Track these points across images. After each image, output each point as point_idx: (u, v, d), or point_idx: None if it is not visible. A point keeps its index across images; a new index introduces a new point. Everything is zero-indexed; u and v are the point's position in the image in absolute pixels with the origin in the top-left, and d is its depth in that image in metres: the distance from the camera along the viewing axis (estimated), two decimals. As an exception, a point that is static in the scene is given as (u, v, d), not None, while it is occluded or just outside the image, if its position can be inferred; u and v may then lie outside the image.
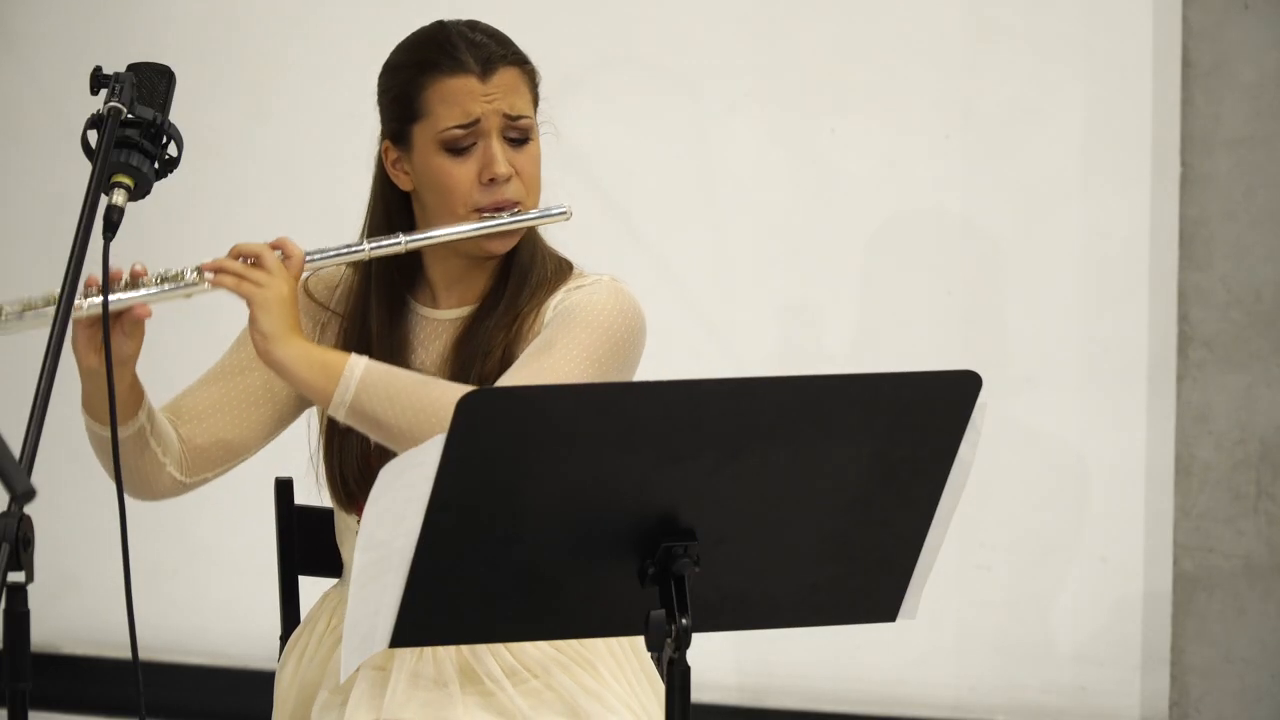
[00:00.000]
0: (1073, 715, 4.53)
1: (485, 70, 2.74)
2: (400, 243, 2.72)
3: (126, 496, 2.58)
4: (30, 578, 2.09)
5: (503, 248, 2.77)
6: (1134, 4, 4.37)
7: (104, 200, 2.42)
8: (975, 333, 4.52)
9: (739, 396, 2.23)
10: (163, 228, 4.82)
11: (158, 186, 2.51)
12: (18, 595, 2.10)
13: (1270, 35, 4.17)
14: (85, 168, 2.42)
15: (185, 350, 4.96)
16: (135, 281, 2.61)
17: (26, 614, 2.13)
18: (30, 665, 2.14)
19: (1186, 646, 4.28)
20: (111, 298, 2.57)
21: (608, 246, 4.59)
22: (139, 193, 2.47)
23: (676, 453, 2.22)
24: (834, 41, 4.54)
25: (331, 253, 2.71)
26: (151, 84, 2.51)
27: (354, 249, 2.72)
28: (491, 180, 2.73)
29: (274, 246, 2.66)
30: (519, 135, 2.76)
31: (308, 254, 2.68)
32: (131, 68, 2.52)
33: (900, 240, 4.54)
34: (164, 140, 2.49)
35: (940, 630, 4.54)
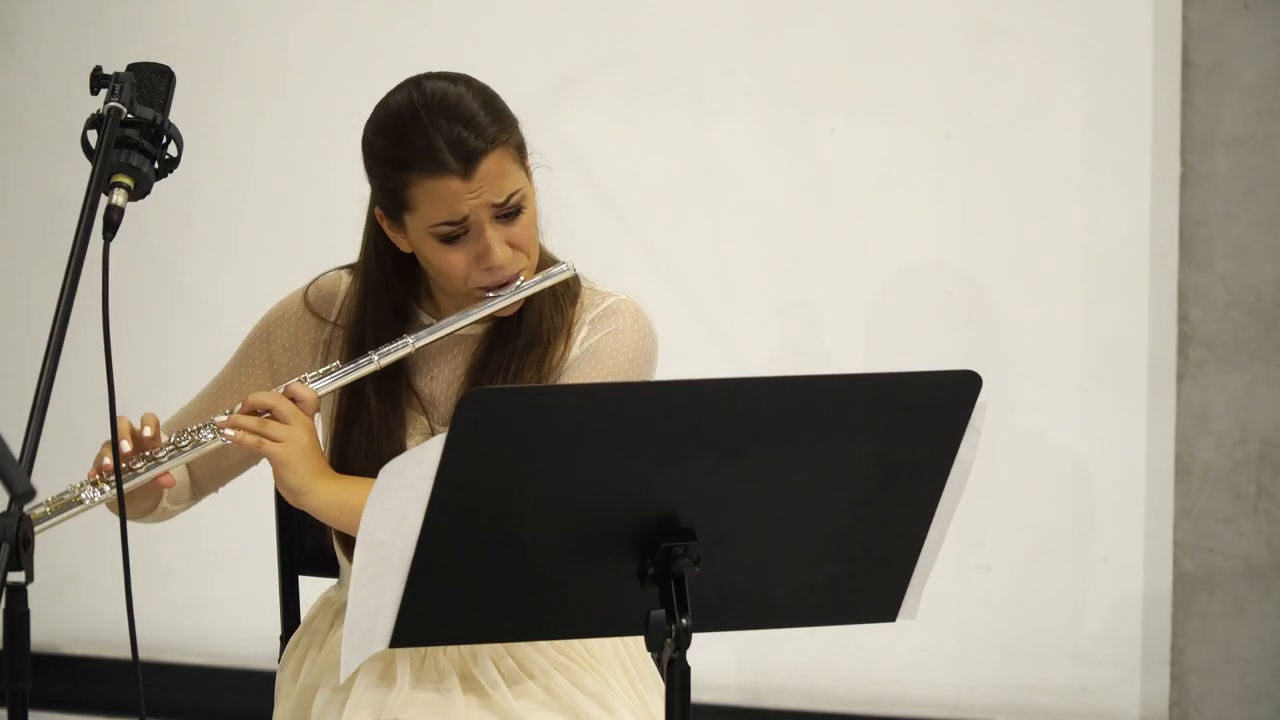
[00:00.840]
0: (1073, 715, 4.53)
1: (468, 168, 2.67)
2: (408, 344, 2.73)
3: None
4: (30, 578, 2.09)
5: (510, 312, 2.77)
6: (1134, 4, 4.37)
7: (104, 200, 2.42)
8: (975, 333, 4.52)
9: (739, 396, 2.23)
10: (163, 228, 4.83)
11: (157, 186, 2.51)
12: (18, 595, 2.10)
13: (1270, 35, 4.17)
14: (85, 168, 2.41)
15: (184, 348, 4.97)
16: (153, 456, 2.65)
17: (26, 614, 2.13)
18: (30, 665, 2.14)
19: (1186, 646, 4.28)
20: (136, 476, 2.63)
21: (608, 246, 4.60)
22: (139, 193, 2.47)
23: (676, 453, 2.22)
24: (834, 41, 4.54)
25: (340, 374, 2.72)
26: (151, 84, 2.51)
27: (364, 364, 2.72)
28: (489, 268, 2.72)
29: (286, 395, 2.67)
30: (511, 211, 2.72)
31: (317, 384, 2.70)
32: (131, 68, 2.52)
33: (900, 240, 4.54)
34: (164, 140, 2.49)
35: (940, 630, 4.54)
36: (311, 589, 3.02)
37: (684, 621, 2.22)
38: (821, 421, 2.26)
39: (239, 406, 2.68)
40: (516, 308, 2.77)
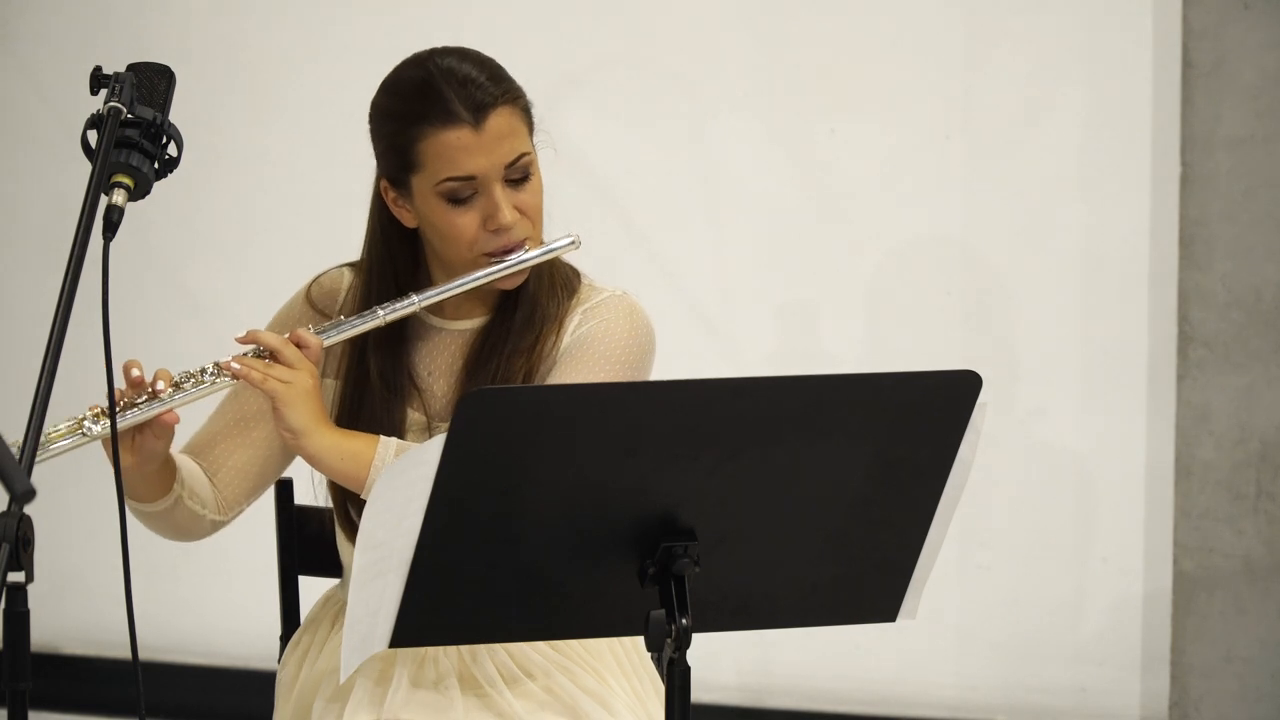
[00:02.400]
0: (1073, 715, 4.53)
1: (478, 119, 2.67)
2: (414, 303, 2.72)
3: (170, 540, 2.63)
4: (30, 578, 2.09)
5: (515, 284, 2.76)
6: (1134, 4, 4.37)
7: (104, 200, 2.42)
8: (975, 333, 4.51)
9: (739, 396, 2.23)
10: (163, 228, 4.83)
11: (157, 186, 2.51)
12: (18, 595, 2.10)
13: (1270, 35, 4.17)
14: (85, 168, 2.41)
15: (184, 348, 4.97)
16: (156, 393, 2.62)
17: (26, 614, 2.13)
18: (30, 665, 2.14)
19: (1186, 646, 4.27)
20: (138, 414, 2.61)
21: (608, 246, 4.60)
22: (139, 193, 2.47)
23: (676, 453, 2.22)
24: (834, 42, 4.54)
25: (346, 327, 2.72)
26: (151, 84, 2.51)
27: (369, 318, 2.72)
28: (497, 228, 2.72)
29: (292, 339, 2.67)
30: (519, 175, 2.72)
31: (323, 333, 2.69)
32: (131, 68, 2.51)
33: (900, 240, 4.54)
34: (164, 140, 2.49)
35: (940, 630, 4.54)
36: (311, 589, 3.02)
37: (684, 621, 2.22)
38: (821, 421, 2.25)
39: (243, 338, 2.67)
40: (520, 279, 2.76)
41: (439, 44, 2.84)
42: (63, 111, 4.87)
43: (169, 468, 2.73)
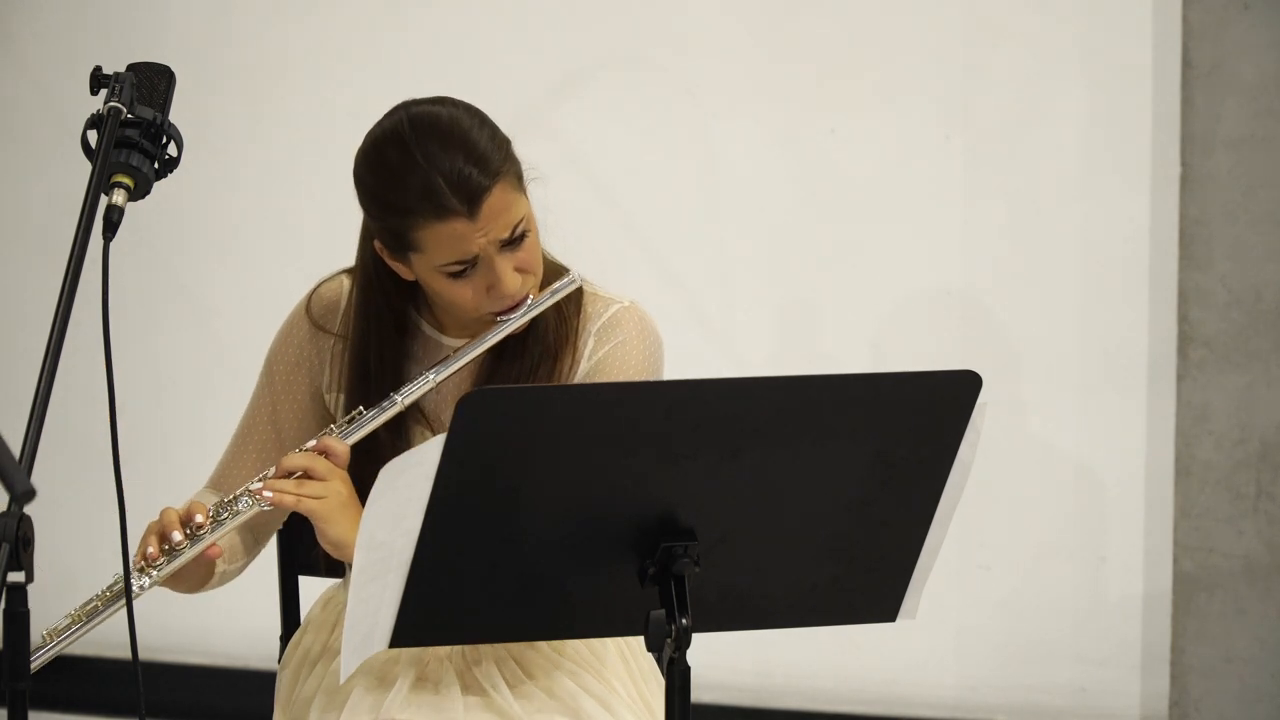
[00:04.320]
0: (1073, 715, 4.53)
1: (472, 209, 2.63)
2: (430, 381, 2.71)
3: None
4: (30, 578, 2.09)
5: (520, 329, 2.76)
6: (1134, 4, 4.37)
7: (104, 200, 2.42)
8: (975, 333, 4.51)
9: (739, 396, 2.23)
10: (163, 228, 4.83)
11: (157, 186, 2.51)
12: (18, 595, 2.10)
13: (1270, 35, 4.17)
14: (85, 168, 2.41)
15: (184, 348, 4.97)
16: (197, 531, 2.63)
17: (26, 614, 2.13)
18: (30, 665, 2.14)
19: (1186, 646, 4.28)
20: (184, 554, 2.62)
21: (608, 246, 4.60)
22: (139, 193, 2.47)
23: (676, 453, 2.22)
24: (834, 42, 4.54)
25: (368, 421, 2.70)
26: (151, 84, 2.51)
27: (387, 407, 2.70)
28: (500, 296, 2.70)
29: (317, 450, 2.67)
30: (517, 238, 2.69)
31: (345, 434, 2.69)
32: (131, 68, 2.51)
33: (900, 240, 4.54)
34: (164, 140, 2.49)
35: (940, 630, 4.54)
36: (311, 589, 3.02)
37: (684, 621, 2.22)
38: (821, 421, 2.26)
39: (272, 471, 2.67)
40: (527, 322, 2.76)
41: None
42: (63, 111, 4.87)
43: (208, 562, 2.74)
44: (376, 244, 2.75)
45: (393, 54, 4.70)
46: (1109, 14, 4.39)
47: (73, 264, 2.28)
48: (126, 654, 2.48)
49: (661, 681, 2.82)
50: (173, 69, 2.54)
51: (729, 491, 2.26)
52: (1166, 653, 4.32)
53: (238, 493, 2.66)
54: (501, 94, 4.51)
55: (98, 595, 2.65)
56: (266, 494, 2.64)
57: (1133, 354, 4.44)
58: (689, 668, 2.23)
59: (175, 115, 2.52)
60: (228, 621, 4.94)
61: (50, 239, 4.83)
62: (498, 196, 2.64)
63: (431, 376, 2.71)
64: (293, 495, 2.63)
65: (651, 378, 2.77)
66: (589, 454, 2.21)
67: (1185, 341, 4.25)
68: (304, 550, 3.04)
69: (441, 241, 2.64)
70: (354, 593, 2.23)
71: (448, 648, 2.76)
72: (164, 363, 4.75)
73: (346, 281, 2.87)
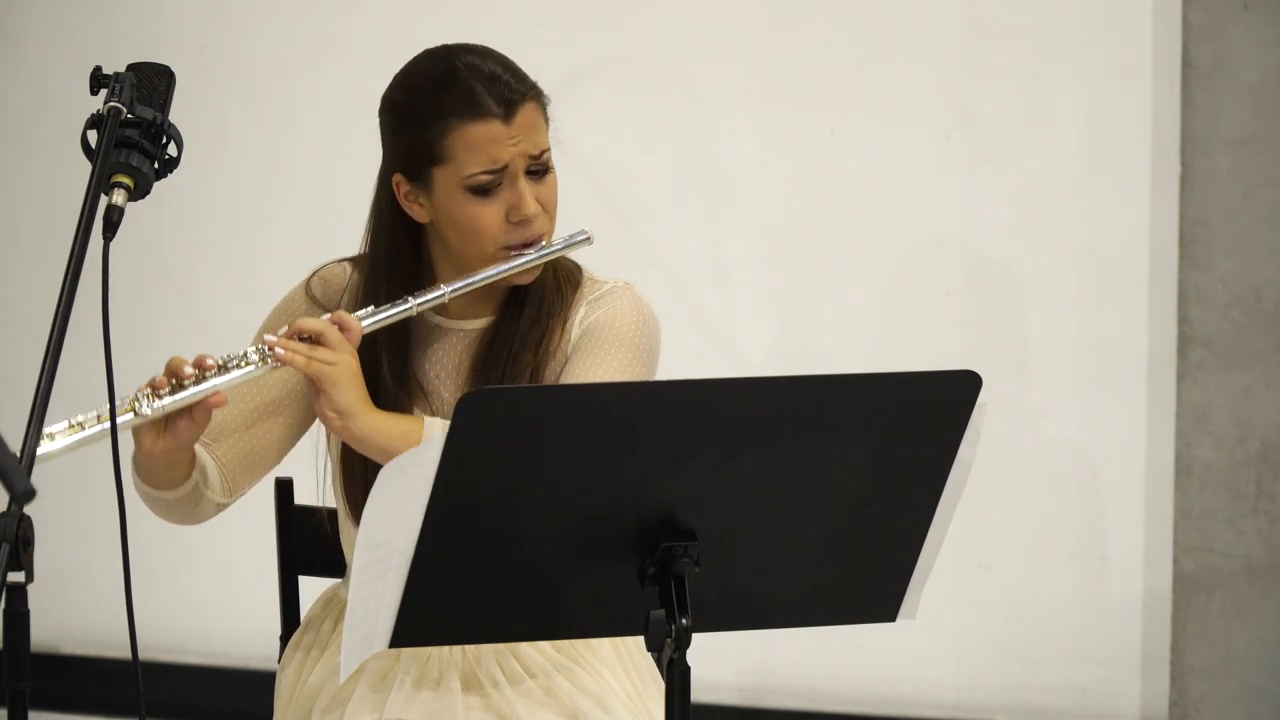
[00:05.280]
0: (1073, 715, 4.53)
1: (509, 112, 2.70)
2: (444, 294, 2.72)
3: (134, 494, 2.61)
4: (30, 578, 2.09)
5: (529, 279, 2.77)
6: (1134, 4, 4.37)
7: (104, 200, 2.42)
8: (975, 333, 4.51)
9: (739, 396, 2.23)
10: (163, 228, 4.83)
11: (157, 186, 2.51)
12: (18, 595, 2.11)
13: (1270, 35, 4.17)
14: (85, 168, 2.41)
15: (184, 348, 4.96)
16: (202, 372, 2.61)
17: (26, 614, 2.13)
18: (30, 665, 2.14)
19: (1186, 646, 4.28)
20: (187, 394, 2.59)
21: (608, 246, 4.59)
22: (139, 193, 2.47)
23: (676, 453, 2.22)
24: (834, 42, 4.54)
25: (383, 316, 2.71)
26: (151, 84, 2.51)
27: (402, 308, 2.71)
28: (520, 220, 2.72)
29: (334, 322, 2.66)
30: (541, 169, 2.75)
31: (362, 319, 2.69)
32: (131, 68, 2.52)
33: (900, 240, 4.54)
34: (164, 140, 2.49)
35: (940, 630, 4.54)
36: (311, 589, 3.02)
37: (684, 621, 2.22)
38: (821, 421, 2.25)
39: (284, 329, 2.66)
40: (536, 274, 2.77)
41: (424, 45, 2.84)
42: (63, 111, 4.87)
43: (191, 456, 2.72)
44: (396, 179, 2.76)
45: (393, 54, 4.68)
46: (1109, 14, 4.39)
47: (73, 264, 2.28)
48: (126, 654, 2.48)
49: (657, 680, 2.83)
50: (173, 69, 2.55)
51: (729, 491, 2.26)
52: (1166, 653, 4.32)
53: (248, 347, 2.64)
54: (501, 94, 4.51)
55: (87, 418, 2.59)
56: (278, 350, 2.62)
57: (1133, 354, 4.44)
58: (689, 668, 2.23)
59: (175, 115, 2.52)
60: (228, 621, 4.94)
61: (50, 239, 4.83)
62: (531, 111, 2.73)
63: (445, 290, 2.71)
64: (304, 356, 2.63)
65: (647, 349, 2.76)
66: (589, 454, 2.21)
67: (1185, 341, 4.25)
68: (304, 550, 3.04)
69: (473, 145, 2.69)
70: (354, 593, 2.23)
71: (451, 647, 2.76)
72: (163, 362, 4.74)
73: (349, 268, 2.87)
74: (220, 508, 2.81)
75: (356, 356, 2.65)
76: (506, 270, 2.73)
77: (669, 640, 2.22)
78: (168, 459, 2.65)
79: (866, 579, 2.38)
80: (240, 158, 4.88)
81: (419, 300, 2.71)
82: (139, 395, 2.58)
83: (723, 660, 4.62)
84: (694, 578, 2.25)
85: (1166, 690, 4.33)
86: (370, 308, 2.72)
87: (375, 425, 2.65)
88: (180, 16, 4.90)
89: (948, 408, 2.29)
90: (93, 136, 2.46)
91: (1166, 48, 4.33)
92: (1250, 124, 4.19)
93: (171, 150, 2.51)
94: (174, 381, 2.59)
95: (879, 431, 2.28)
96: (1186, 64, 4.21)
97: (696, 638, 2.23)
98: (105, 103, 2.46)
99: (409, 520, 2.19)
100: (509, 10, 4.67)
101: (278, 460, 2.85)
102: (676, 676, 2.22)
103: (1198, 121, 4.21)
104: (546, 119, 2.78)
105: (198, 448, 2.77)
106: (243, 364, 2.63)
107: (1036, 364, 4.48)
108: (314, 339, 2.65)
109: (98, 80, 2.49)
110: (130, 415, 2.57)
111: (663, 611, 2.23)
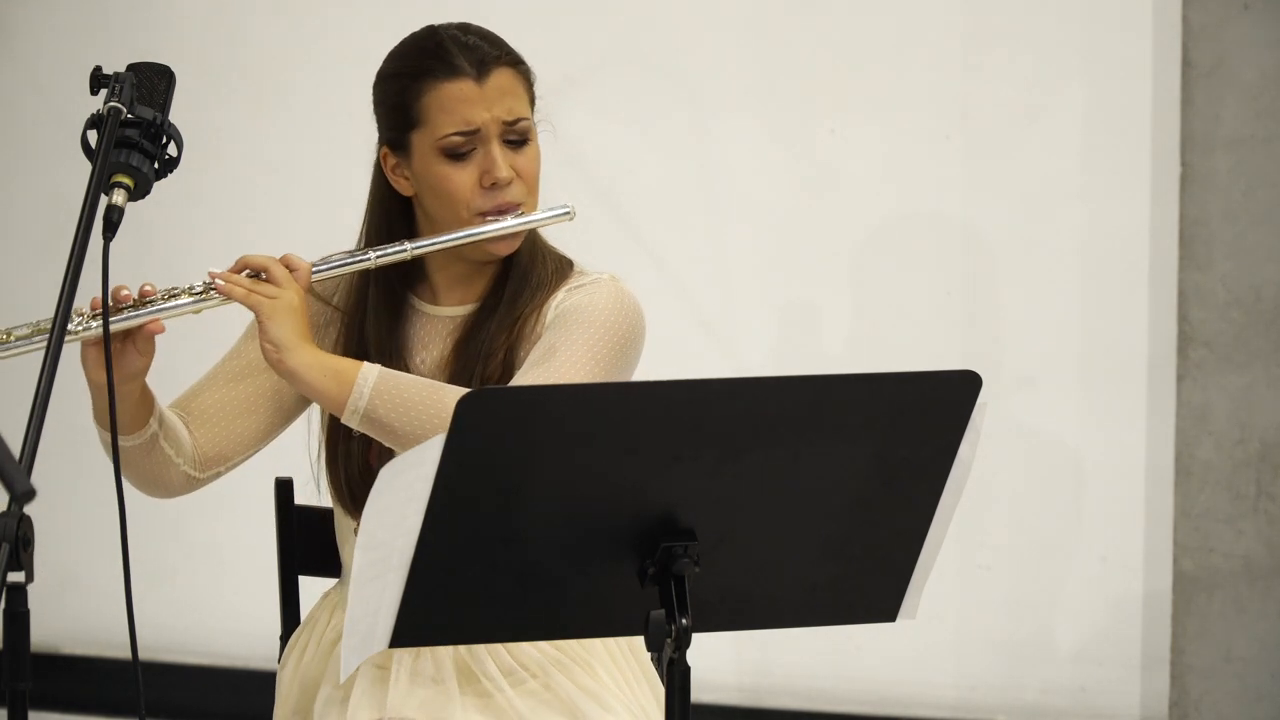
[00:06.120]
0: (1073, 715, 4.53)
1: (481, 73, 2.74)
2: (405, 250, 2.73)
3: (134, 494, 2.60)
4: (30, 578, 2.09)
5: (507, 249, 2.78)
6: (1134, 4, 4.37)
7: (104, 200, 2.42)
8: (975, 333, 4.52)
9: (739, 396, 2.23)
10: (162, 228, 4.83)
11: (157, 186, 2.51)
12: (18, 595, 2.11)
13: (1270, 35, 4.17)
14: (85, 168, 2.42)
15: (183, 348, 4.97)
16: (144, 300, 2.61)
17: (26, 614, 2.13)
18: (30, 665, 2.14)
19: (1186, 646, 4.28)
20: (124, 317, 2.59)
21: (608, 246, 4.60)
22: (139, 193, 2.47)
23: (676, 453, 2.22)
24: (834, 42, 4.54)
25: (337, 263, 2.72)
26: (151, 84, 2.51)
27: (359, 259, 2.72)
28: (493, 185, 2.73)
29: (282, 261, 2.67)
30: (518, 138, 2.76)
31: (314, 265, 2.69)
32: (131, 68, 2.52)
33: (900, 240, 4.54)
34: (164, 140, 2.49)
35: (940, 630, 4.54)
36: (311, 589, 3.02)
37: (684, 621, 2.22)
38: (821, 421, 2.25)
39: (233, 266, 2.67)
40: (513, 246, 2.77)
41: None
42: (63, 111, 4.86)
43: (146, 400, 2.70)
44: (383, 151, 2.79)
45: (393, 54, 4.69)
46: (1109, 14, 4.39)
47: (73, 264, 2.28)
48: (126, 654, 2.48)
49: (655, 679, 2.83)
50: (172, 69, 2.55)
51: (729, 491, 2.26)
52: (1166, 653, 4.32)
53: (194, 283, 2.64)
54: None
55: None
56: (219, 283, 2.63)
57: (1133, 354, 4.44)
58: (689, 668, 2.23)
59: (175, 115, 2.52)
60: (228, 621, 4.94)
61: (50, 239, 4.83)
62: (506, 76, 2.76)
63: (408, 246, 2.72)
64: (243, 289, 2.63)
65: (621, 338, 2.74)
66: (589, 454, 2.21)
67: (1185, 341, 4.25)
68: (304, 550, 3.04)
69: (446, 105, 2.72)
70: (354, 593, 2.23)
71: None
72: (164, 362, 4.74)
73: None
74: (193, 481, 2.79)
75: (302, 294, 2.65)
76: (476, 234, 2.73)
77: (669, 640, 2.22)
78: (118, 391, 2.61)
79: (866, 579, 2.38)
80: (240, 158, 4.88)
81: (378, 254, 2.72)
82: (81, 315, 2.57)
83: (723, 660, 4.62)
84: (694, 578, 2.25)
85: (1166, 690, 4.33)
86: (332, 255, 2.73)
87: (310, 361, 2.63)
88: (180, 16, 4.90)
89: (948, 408, 2.29)
90: (93, 136, 2.46)
91: (1166, 48, 4.33)
92: (1250, 124, 4.19)
93: (171, 150, 2.51)
94: (113, 304, 2.58)
95: (879, 431, 2.28)
96: (1186, 64, 4.21)
97: (696, 638, 2.23)
98: (105, 103, 2.46)
99: (409, 520, 2.19)
100: (509, 10, 4.67)
101: (260, 447, 2.84)
102: (676, 676, 2.22)
103: (1198, 121, 4.21)
104: (530, 91, 2.80)
105: (172, 413, 2.77)
106: (187, 294, 2.63)
107: (1036, 364, 4.48)
108: (260, 274, 2.65)
109: (98, 80, 2.49)
110: (79, 328, 2.56)
111: (663, 611, 2.23)
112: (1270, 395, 4.22)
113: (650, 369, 4.11)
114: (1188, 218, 4.24)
